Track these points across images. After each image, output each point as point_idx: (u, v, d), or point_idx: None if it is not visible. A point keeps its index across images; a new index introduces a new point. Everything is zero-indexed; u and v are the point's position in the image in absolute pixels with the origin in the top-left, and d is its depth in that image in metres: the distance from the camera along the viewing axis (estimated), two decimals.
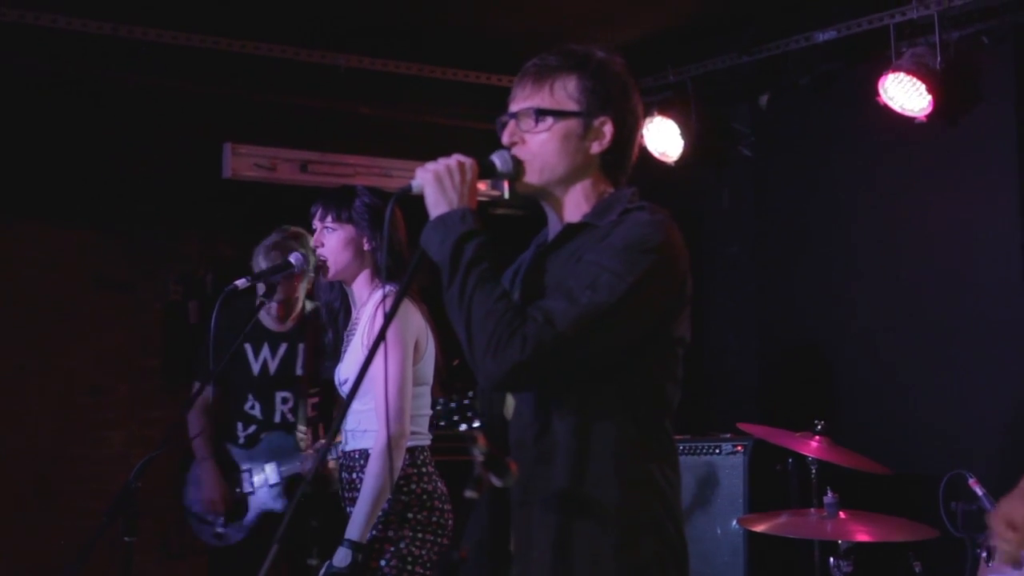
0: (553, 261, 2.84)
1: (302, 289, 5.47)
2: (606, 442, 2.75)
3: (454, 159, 2.82)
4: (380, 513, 4.23)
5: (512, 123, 2.88)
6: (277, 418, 5.50)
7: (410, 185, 2.85)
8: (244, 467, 5.51)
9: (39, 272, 6.90)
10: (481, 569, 2.93)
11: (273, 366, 5.53)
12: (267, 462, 5.46)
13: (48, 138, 6.60)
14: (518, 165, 2.86)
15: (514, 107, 2.89)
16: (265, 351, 5.56)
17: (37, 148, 6.60)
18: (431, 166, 2.82)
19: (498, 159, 2.87)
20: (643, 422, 2.79)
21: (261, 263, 5.35)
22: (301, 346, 5.46)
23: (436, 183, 2.80)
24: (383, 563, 4.21)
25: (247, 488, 5.43)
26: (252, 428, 5.50)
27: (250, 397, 5.52)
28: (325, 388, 5.30)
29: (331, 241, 4.41)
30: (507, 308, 2.66)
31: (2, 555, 6.44)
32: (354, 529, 4.16)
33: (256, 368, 5.54)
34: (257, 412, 5.49)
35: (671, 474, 2.82)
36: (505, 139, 2.88)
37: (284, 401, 5.49)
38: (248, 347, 5.52)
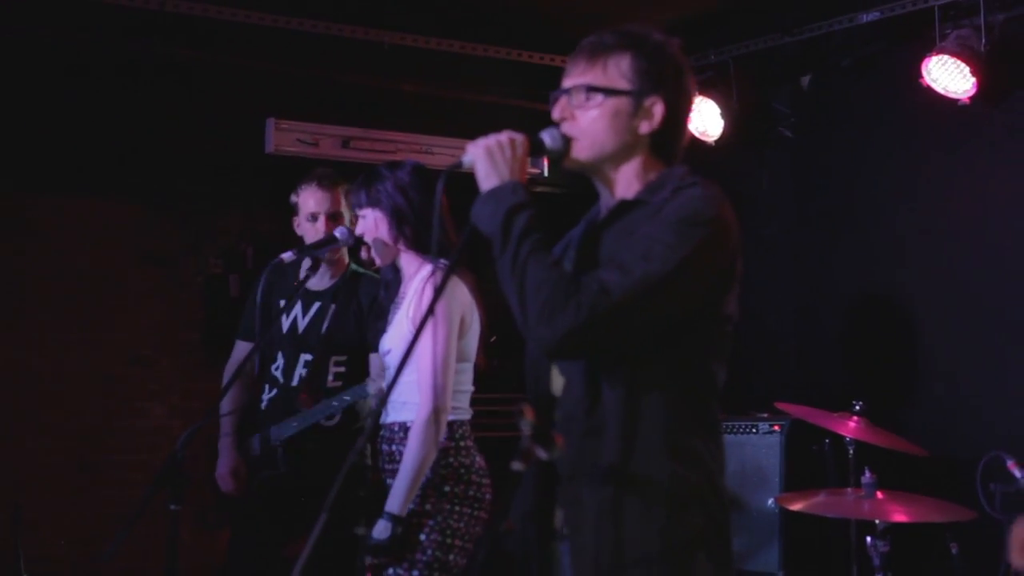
0: (606, 237, 2.85)
1: (345, 250, 5.26)
2: (656, 416, 2.76)
3: (505, 134, 2.83)
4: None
5: (563, 99, 2.88)
6: (295, 381, 5.22)
7: (461, 161, 2.87)
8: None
9: (82, 246, 6.94)
10: (527, 542, 2.94)
11: (302, 325, 5.27)
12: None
13: (92, 114, 6.64)
14: (567, 142, 2.87)
15: (567, 83, 2.90)
16: (297, 308, 5.30)
17: (81, 124, 6.62)
18: (482, 141, 2.83)
19: (547, 136, 2.88)
20: (692, 397, 2.81)
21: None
22: (333, 307, 5.24)
23: (487, 158, 2.82)
24: (423, 536, 4.22)
25: (254, 451, 5.28)
26: (274, 392, 5.27)
27: (279, 356, 5.29)
28: (354, 357, 5.13)
29: (366, 226, 4.46)
30: (561, 276, 2.68)
31: (47, 526, 6.47)
32: (394, 502, 4.19)
33: (286, 325, 5.30)
34: (279, 374, 5.26)
35: (716, 449, 2.85)
36: (556, 114, 2.88)
37: (306, 364, 5.25)
38: (282, 303, 5.31)
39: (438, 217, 3.03)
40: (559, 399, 2.91)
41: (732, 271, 2.83)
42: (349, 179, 4.89)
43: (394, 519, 4.18)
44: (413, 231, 4.40)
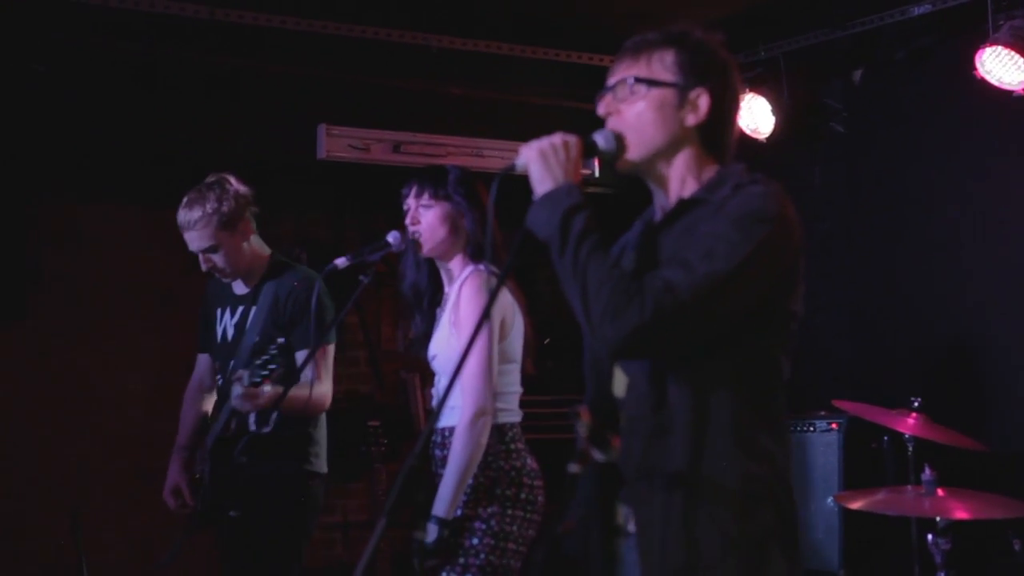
0: (666, 236, 2.85)
1: (256, 245, 5.06)
2: (724, 414, 2.76)
3: (558, 136, 2.83)
4: (468, 491, 4.24)
5: (609, 95, 2.90)
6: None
7: (514, 164, 2.87)
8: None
9: (135, 254, 7.00)
10: (589, 541, 2.89)
11: (231, 332, 5.12)
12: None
13: (147, 122, 6.68)
14: (619, 142, 2.87)
15: (611, 80, 2.92)
16: (227, 315, 5.16)
17: (136, 132, 6.68)
18: (535, 144, 2.83)
19: (600, 137, 2.88)
20: (758, 394, 2.80)
21: (180, 216, 4.92)
22: (254, 310, 5.03)
23: (541, 160, 2.82)
24: (476, 541, 4.21)
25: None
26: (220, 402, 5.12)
27: (217, 368, 5.16)
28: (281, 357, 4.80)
29: (428, 218, 4.42)
30: (623, 275, 2.67)
31: (104, 533, 6.55)
32: (440, 505, 4.18)
33: (219, 334, 5.15)
34: (221, 383, 5.09)
35: (784, 445, 2.84)
36: (601, 110, 2.90)
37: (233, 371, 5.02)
38: (217, 311, 5.16)
39: (491, 220, 3.02)
40: (623, 400, 2.89)
41: (796, 269, 2.82)
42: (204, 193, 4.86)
43: (441, 522, 4.17)
44: (470, 232, 4.42)
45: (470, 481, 4.24)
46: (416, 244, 4.45)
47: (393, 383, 7.25)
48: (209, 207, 4.83)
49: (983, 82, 5.86)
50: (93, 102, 6.56)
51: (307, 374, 4.77)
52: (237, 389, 4.60)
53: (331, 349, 4.98)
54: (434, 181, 4.45)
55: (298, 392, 4.74)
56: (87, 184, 6.78)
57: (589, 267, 2.68)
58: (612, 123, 2.89)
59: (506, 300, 4.35)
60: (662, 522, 2.78)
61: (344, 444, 6.24)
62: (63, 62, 6.39)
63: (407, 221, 4.48)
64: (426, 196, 4.44)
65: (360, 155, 6.99)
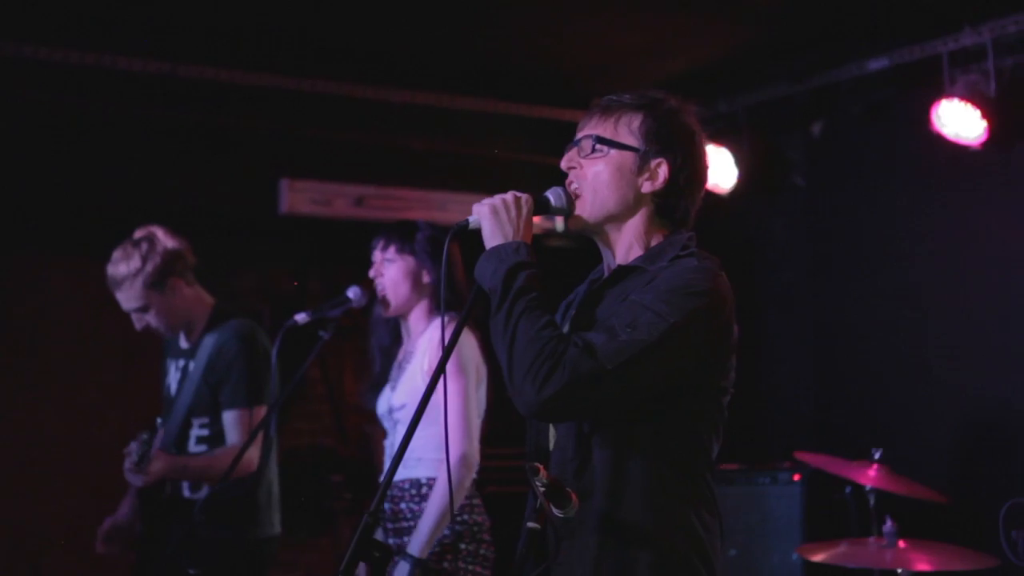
0: (605, 299, 2.87)
1: (193, 297, 4.93)
2: (641, 484, 2.75)
3: (510, 194, 2.86)
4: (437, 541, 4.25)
5: (574, 149, 2.94)
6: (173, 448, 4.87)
7: (467, 220, 2.88)
8: None
9: (97, 307, 6.98)
10: None
11: (174, 387, 4.97)
12: None
13: (107, 177, 6.69)
14: (571, 201, 2.90)
15: (578, 135, 2.96)
16: (173, 371, 5.02)
17: (96, 187, 6.68)
18: (488, 201, 2.86)
19: (552, 195, 2.91)
20: (679, 468, 2.78)
21: (107, 273, 4.82)
22: (192, 366, 4.88)
23: (493, 217, 2.84)
24: None
25: None
26: None
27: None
28: (217, 417, 4.79)
29: (391, 272, 4.45)
30: (551, 337, 2.66)
31: None
32: (415, 545, 4.18)
33: (165, 388, 5.04)
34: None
35: (710, 519, 2.82)
36: (563, 164, 2.93)
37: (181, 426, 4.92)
38: (168, 364, 5.03)
39: (445, 274, 3.07)
40: (552, 455, 2.92)
41: (726, 345, 2.83)
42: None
43: (414, 562, 4.18)
44: (431, 288, 4.45)
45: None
46: (384, 303, 4.48)
47: (357, 437, 7.23)
48: (133, 266, 4.73)
49: (940, 136, 5.93)
50: (56, 156, 6.57)
51: (231, 438, 4.71)
52: (127, 463, 4.52)
53: (260, 411, 4.71)
54: (401, 236, 4.47)
55: (212, 460, 4.68)
56: (51, 238, 6.76)
57: (519, 326, 2.69)
58: (572, 176, 2.92)
59: (476, 351, 4.37)
60: (586, 569, 2.77)
61: (307, 498, 6.21)
62: (25, 116, 6.41)
63: (371, 273, 4.50)
64: (391, 250, 4.46)
65: (322, 209, 7.06)
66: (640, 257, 2.89)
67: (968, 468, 6.11)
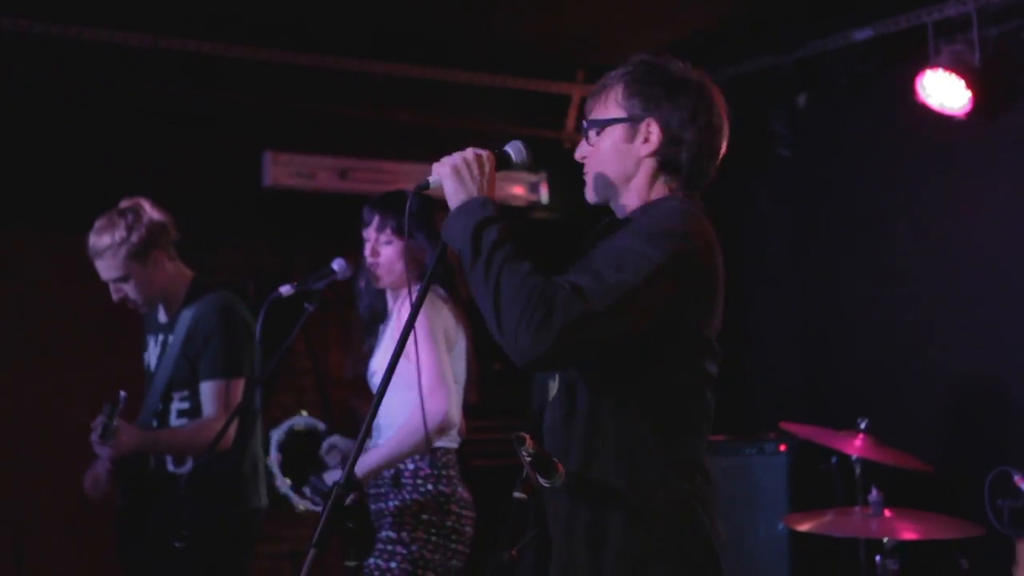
0: (597, 249, 2.88)
1: (174, 270, 4.95)
2: (616, 441, 2.77)
3: (470, 151, 2.86)
4: (394, 512, 4.28)
5: (582, 141, 2.98)
6: (155, 422, 4.96)
7: (427, 181, 2.89)
8: None
9: (79, 283, 6.97)
10: (534, 568, 2.94)
11: (154, 362, 5.00)
12: None
13: (90, 151, 6.68)
14: (530, 153, 2.94)
15: (583, 126, 3.01)
16: (152, 345, 5.05)
17: (80, 161, 6.67)
18: (447, 160, 2.85)
19: (512, 149, 2.94)
20: (660, 427, 2.79)
21: (89, 242, 4.84)
22: (171, 340, 4.92)
23: (454, 175, 2.83)
24: (393, 565, 4.24)
25: None
26: None
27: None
28: (196, 389, 4.83)
29: (388, 253, 4.45)
30: (538, 283, 2.64)
31: (48, 563, 6.51)
32: (362, 466, 4.23)
33: (145, 363, 5.06)
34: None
35: (696, 483, 2.82)
36: (577, 157, 2.98)
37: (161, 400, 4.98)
38: (148, 339, 5.05)
39: (407, 235, 3.05)
40: (549, 406, 2.94)
41: (711, 290, 2.83)
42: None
43: (349, 476, 4.19)
44: (427, 265, 4.41)
45: (396, 502, 4.27)
46: (373, 276, 4.49)
47: (342, 411, 7.22)
48: (118, 236, 4.74)
49: (925, 106, 5.95)
50: (37, 131, 6.55)
51: (207, 410, 4.75)
52: (93, 436, 4.58)
53: (238, 384, 4.80)
54: (397, 215, 4.44)
55: (184, 433, 4.74)
56: (30, 216, 6.74)
57: (503, 276, 2.66)
58: (586, 167, 2.96)
59: (448, 318, 4.39)
60: (560, 531, 2.83)
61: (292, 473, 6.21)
62: (5, 91, 6.39)
63: (366, 252, 4.50)
64: (388, 231, 4.45)
65: (306, 182, 7.07)
66: (637, 210, 2.92)
67: (953, 438, 6.16)
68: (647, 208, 2.89)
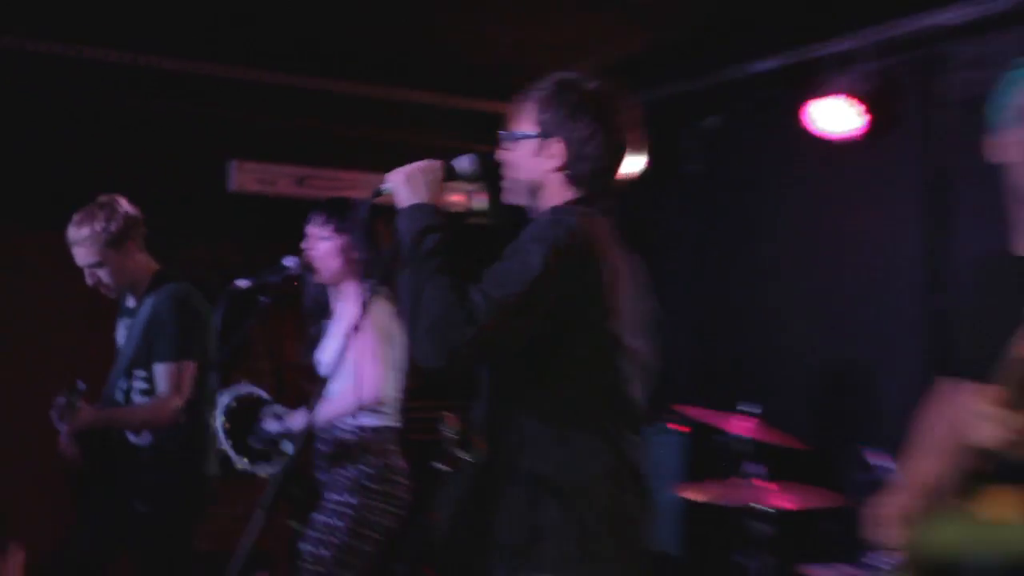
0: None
1: (143, 261, 5.05)
2: (528, 421, 2.89)
3: (423, 162, 3.02)
4: (347, 479, 4.56)
5: (501, 148, 3.13)
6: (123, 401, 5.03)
7: (380, 188, 3.06)
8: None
9: (66, 278, 7.15)
10: (449, 528, 3.08)
11: (122, 343, 5.09)
12: None
13: (76, 156, 6.81)
14: (476, 168, 3.10)
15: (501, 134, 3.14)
16: (122, 328, 5.12)
17: (65, 165, 6.78)
18: (402, 169, 3.00)
19: (459, 163, 3.10)
20: (566, 414, 2.89)
21: (69, 232, 4.92)
22: (133, 323, 4.98)
23: (407, 183, 2.96)
24: (341, 524, 4.50)
25: None
26: None
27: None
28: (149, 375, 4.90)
29: (322, 248, 4.69)
30: (453, 300, 2.71)
31: (34, 540, 6.55)
32: (300, 421, 4.60)
33: (117, 345, 5.13)
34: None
35: (580, 453, 2.88)
36: (497, 157, 3.13)
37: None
38: (119, 323, 5.16)
39: (365, 243, 3.22)
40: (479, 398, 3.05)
41: (594, 283, 2.86)
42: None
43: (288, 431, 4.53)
44: (361, 263, 4.69)
45: (351, 471, 4.54)
46: (313, 271, 4.74)
47: (295, 392, 7.56)
48: (97, 226, 4.83)
49: (813, 131, 6.16)
50: (29, 138, 6.71)
51: (159, 388, 4.84)
52: (53, 413, 4.77)
53: (188, 366, 4.87)
54: (339, 215, 4.68)
55: (137, 411, 4.88)
56: (16, 213, 6.86)
57: (427, 285, 2.75)
58: (504, 171, 3.10)
59: (388, 313, 4.55)
60: (472, 498, 3.00)
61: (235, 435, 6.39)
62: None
63: (306, 244, 4.73)
64: (329, 229, 4.69)
65: (267, 188, 7.17)
66: (539, 214, 3.04)
67: (825, 419, 6.36)
68: (543, 215, 2.99)
